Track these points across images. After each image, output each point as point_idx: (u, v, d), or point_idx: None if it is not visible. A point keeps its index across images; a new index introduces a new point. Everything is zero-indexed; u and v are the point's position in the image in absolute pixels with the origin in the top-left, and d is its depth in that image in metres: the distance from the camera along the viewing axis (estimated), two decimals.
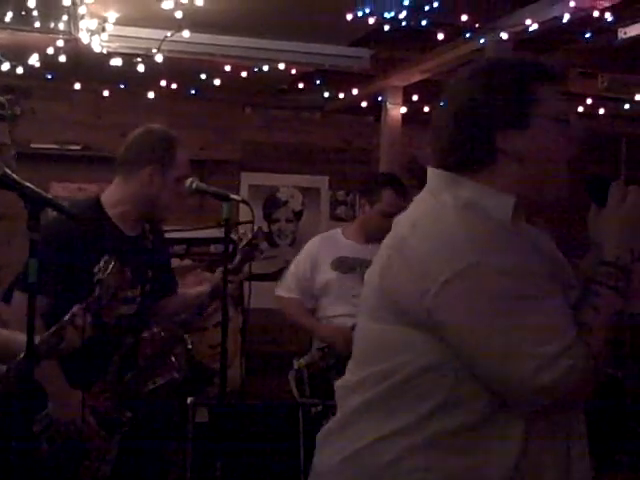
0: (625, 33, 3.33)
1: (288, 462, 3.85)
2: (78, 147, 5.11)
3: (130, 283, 2.57)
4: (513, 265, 1.35)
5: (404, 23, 3.50)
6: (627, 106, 5.00)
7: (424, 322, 1.38)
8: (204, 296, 2.77)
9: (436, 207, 1.46)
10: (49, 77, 4.68)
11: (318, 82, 4.83)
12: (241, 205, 4.06)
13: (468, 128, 1.45)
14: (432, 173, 1.52)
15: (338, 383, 1.60)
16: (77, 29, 3.60)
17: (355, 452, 1.46)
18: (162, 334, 2.67)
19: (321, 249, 3.57)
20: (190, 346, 3.95)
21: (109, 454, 2.50)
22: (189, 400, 3.87)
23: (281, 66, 4.28)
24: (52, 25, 3.62)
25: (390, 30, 3.69)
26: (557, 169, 1.47)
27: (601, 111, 5.14)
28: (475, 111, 1.44)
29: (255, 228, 2.82)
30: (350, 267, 3.46)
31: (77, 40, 3.67)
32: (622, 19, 3.36)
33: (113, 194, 2.61)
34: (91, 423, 2.44)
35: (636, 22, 3.32)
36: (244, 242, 2.81)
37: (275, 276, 4.82)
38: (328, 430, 1.57)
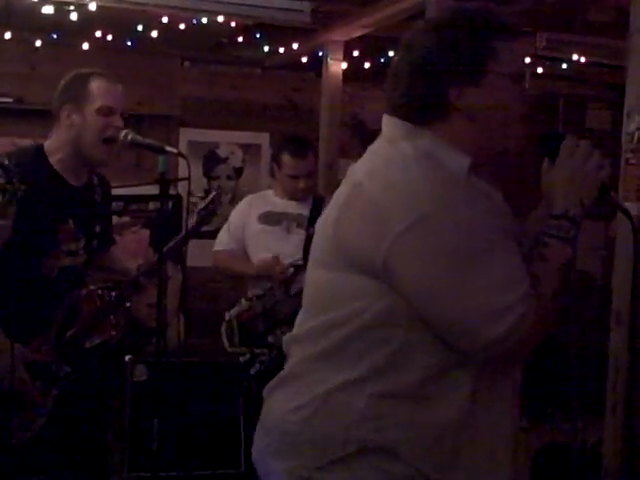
0: None
1: (227, 419, 3.86)
2: (10, 100, 4.94)
3: (73, 235, 2.52)
4: (468, 217, 1.36)
5: None
6: (564, 66, 5.06)
7: (378, 270, 1.38)
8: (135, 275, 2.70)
9: (395, 156, 1.45)
10: None
11: (258, 36, 4.75)
12: (179, 161, 4.03)
13: (422, 82, 1.45)
14: (389, 121, 1.52)
15: (287, 335, 1.60)
16: None
17: (308, 401, 1.46)
18: (99, 292, 2.64)
19: (252, 206, 3.72)
20: (129, 304, 3.91)
21: (44, 407, 2.47)
22: (127, 358, 3.85)
23: (220, 18, 4.19)
24: None
25: None
26: (509, 126, 1.48)
27: (539, 70, 5.18)
28: (429, 66, 1.44)
29: (213, 193, 2.83)
30: (276, 220, 3.60)
31: None
32: None
33: (51, 143, 2.56)
34: (24, 375, 2.40)
35: None
36: (202, 205, 2.79)
37: (214, 234, 4.79)
38: (278, 381, 1.57)
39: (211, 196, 2.81)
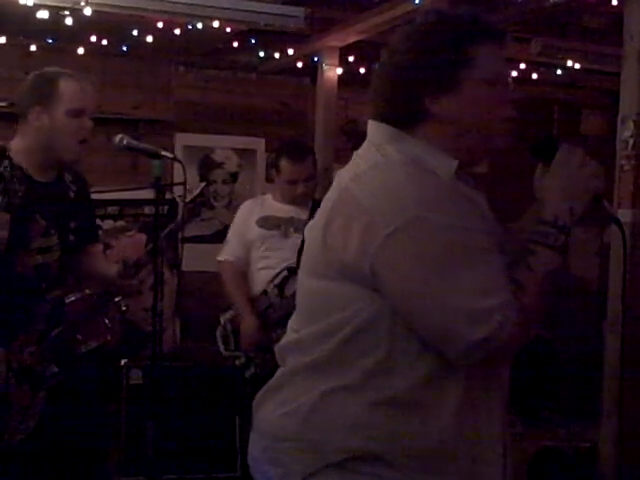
0: None
1: (222, 423, 3.86)
2: (4, 104, 4.93)
3: (43, 231, 2.51)
4: (453, 222, 1.37)
5: None
6: (559, 72, 5.08)
7: (366, 276, 1.39)
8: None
9: (381, 160, 1.46)
10: None
11: (253, 41, 4.76)
12: (175, 166, 4.04)
13: (400, 89, 1.46)
14: (374, 126, 1.53)
15: (279, 344, 1.60)
16: None
17: (302, 407, 1.46)
18: (87, 292, 2.63)
19: (252, 210, 3.71)
20: (124, 308, 3.90)
21: (32, 409, 2.46)
22: (123, 362, 3.84)
23: (215, 24, 4.19)
24: None
25: None
26: (479, 131, 1.47)
27: (534, 76, 5.20)
28: (406, 73, 1.45)
29: (201, 184, 2.81)
30: (274, 224, 3.60)
31: None
32: None
33: (17, 143, 2.54)
34: (8, 377, 2.40)
35: None
36: (190, 197, 2.77)
37: (210, 238, 4.79)
38: (268, 389, 1.57)
39: (200, 188, 2.80)
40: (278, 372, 1.57)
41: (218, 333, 3.68)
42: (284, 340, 1.59)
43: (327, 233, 1.44)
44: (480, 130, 1.47)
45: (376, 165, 1.46)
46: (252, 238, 3.64)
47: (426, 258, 1.36)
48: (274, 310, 3.51)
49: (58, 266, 2.58)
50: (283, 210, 3.62)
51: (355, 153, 1.54)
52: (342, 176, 1.51)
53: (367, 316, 1.41)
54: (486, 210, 1.53)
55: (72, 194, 2.63)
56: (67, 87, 2.50)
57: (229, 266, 3.71)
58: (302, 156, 3.59)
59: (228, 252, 3.72)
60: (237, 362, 3.59)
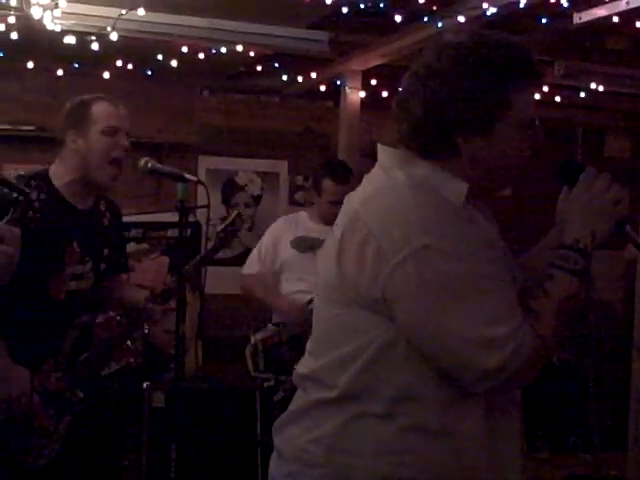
0: (580, 18, 3.37)
1: (244, 446, 3.84)
2: (32, 128, 5.01)
3: (79, 258, 2.53)
4: (462, 249, 1.35)
5: (362, 5, 3.48)
6: (583, 94, 5.06)
7: (378, 303, 1.38)
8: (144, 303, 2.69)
9: (388, 184, 1.45)
10: (0, 55, 4.56)
11: (276, 65, 4.79)
12: (199, 189, 4.06)
13: (431, 122, 1.42)
14: (384, 151, 1.52)
15: (299, 369, 1.59)
16: (29, 5, 3.51)
17: (326, 433, 1.45)
18: (118, 318, 2.64)
19: (284, 229, 3.69)
20: (147, 331, 3.91)
21: (56, 434, 2.46)
22: (145, 385, 3.84)
23: (239, 48, 4.23)
24: (3, 1, 3.53)
25: (348, 13, 3.66)
26: (507, 168, 1.46)
27: (557, 99, 5.18)
28: (442, 108, 1.41)
29: (234, 213, 2.81)
30: (309, 246, 3.55)
31: (29, 16, 3.58)
32: (577, 4, 3.39)
33: (57, 169, 2.56)
34: (35, 402, 2.40)
35: (591, 7, 3.35)
36: (222, 226, 2.77)
37: (233, 261, 4.79)
38: (290, 412, 1.56)
39: (232, 217, 2.80)
40: (299, 398, 1.56)
41: (247, 352, 3.64)
42: (302, 366, 1.58)
43: (341, 260, 1.43)
44: (501, 171, 1.46)
45: (383, 189, 1.45)
46: (285, 259, 3.61)
47: (434, 288, 1.34)
48: (307, 337, 3.48)
49: (90, 293, 2.60)
50: (318, 230, 3.57)
51: (365, 177, 1.54)
52: (351, 200, 1.50)
53: (382, 343, 1.40)
54: (497, 237, 1.51)
55: (106, 222, 2.66)
56: (99, 108, 2.53)
57: (253, 279, 3.70)
58: (346, 177, 3.57)
59: (252, 268, 3.71)
60: (265, 384, 3.56)
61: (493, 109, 1.40)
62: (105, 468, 2.73)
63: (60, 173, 2.55)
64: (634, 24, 3.59)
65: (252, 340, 3.63)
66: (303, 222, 3.69)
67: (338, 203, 3.50)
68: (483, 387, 1.37)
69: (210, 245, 2.74)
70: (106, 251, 2.64)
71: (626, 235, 1.47)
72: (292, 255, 3.59)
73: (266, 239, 3.71)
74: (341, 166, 3.74)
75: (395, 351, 1.40)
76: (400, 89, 1.50)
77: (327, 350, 1.49)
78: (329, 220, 3.45)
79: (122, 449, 3.36)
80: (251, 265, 3.73)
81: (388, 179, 1.46)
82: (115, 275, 2.79)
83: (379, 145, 1.52)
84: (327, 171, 3.64)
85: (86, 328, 2.56)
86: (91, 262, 2.57)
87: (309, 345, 1.59)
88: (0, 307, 2.38)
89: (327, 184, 3.56)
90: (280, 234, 3.67)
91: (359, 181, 1.55)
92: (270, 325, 3.61)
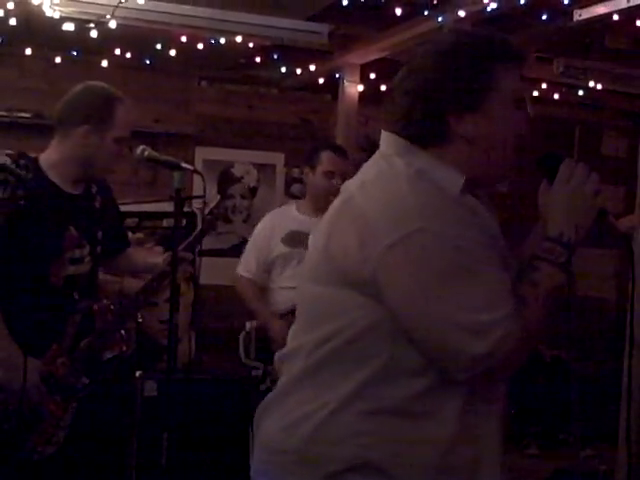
0: (580, 15, 3.37)
1: (236, 435, 3.85)
2: (29, 115, 4.99)
3: (77, 242, 2.53)
4: (456, 234, 1.36)
5: None
6: (581, 92, 5.06)
7: (366, 284, 1.38)
8: (155, 270, 2.72)
9: (387, 170, 1.46)
10: None
11: (275, 57, 4.79)
12: (194, 179, 4.05)
13: (422, 107, 1.45)
14: (386, 137, 1.52)
15: (278, 352, 1.60)
16: None
17: (300, 419, 1.45)
18: (112, 307, 2.64)
19: (275, 224, 3.67)
20: (140, 320, 3.91)
21: (63, 420, 2.47)
22: (137, 374, 3.84)
23: (238, 39, 4.23)
24: None
25: (348, 5, 3.66)
26: (505, 151, 1.47)
27: (556, 96, 5.19)
28: (430, 92, 1.44)
29: (217, 197, 2.83)
30: (300, 241, 3.53)
31: (28, 3, 3.56)
32: (578, 1, 3.39)
33: (51, 155, 2.53)
34: (41, 389, 2.40)
35: (591, 5, 3.35)
36: (208, 209, 2.79)
37: (228, 252, 4.79)
38: (269, 400, 1.57)
39: (216, 201, 2.82)
40: (278, 385, 1.57)
41: (241, 338, 3.65)
42: (283, 350, 1.59)
43: (329, 240, 1.45)
44: (498, 151, 1.47)
45: (382, 175, 1.46)
46: (276, 255, 3.61)
47: (427, 271, 1.35)
48: None
49: (89, 277, 2.60)
50: (306, 222, 3.56)
51: (365, 164, 1.55)
52: (348, 185, 1.52)
53: (366, 324, 1.40)
54: (494, 226, 1.52)
55: (97, 204, 2.65)
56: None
57: (248, 283, 3.71)
58: (343, 152, 3.64)
59: (247, 268, 3.71)
60: (254, 372, 3.59)
61: (479, 84, 1.43)
62: (109, 456, 2.73)
63: (53, 161, 2.51)
64: (634, 22, 3.59)
65: (247, 326, 3.64)
66: (292, 215, 3.68)
67: (333, 174, 3.57)
68: (467, 374, 1.37)
69: (197, 230, 2.77)
70: (100, 234, 2.64)
71: (609, 226, 1.48)
72: (283, 251, 3.60)
73: (259, 239, 3.71)
74: (338, 145, 3.85)
75: (379, 333, 1.40)
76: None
77: (309, 328, 1.50)
78: (321, 200, 3.42)
79: (124, 435, 3.37)
80: (247, 265, 3.72)
81: (387, 166, 1.47)
82: (121, 252, 2.82)
83: (383, 131, 1.53)
84: (326, 144, 3.76)
85: (87, 313, 2.57)
86: (88, 246, 2.57)
87: (291, 331, 1.59)
88: (2, 295, 2.38)
89: (325, 155, 3.59)
90: (270, 231, 3.67)
91: (354, 172, 1.56)
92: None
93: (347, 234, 1.41)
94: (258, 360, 3.60)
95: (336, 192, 3.70)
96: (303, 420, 1.45)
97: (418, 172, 1.43)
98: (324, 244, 1.46)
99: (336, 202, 1.52)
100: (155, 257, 2.82)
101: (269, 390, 3.53)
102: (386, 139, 1.52)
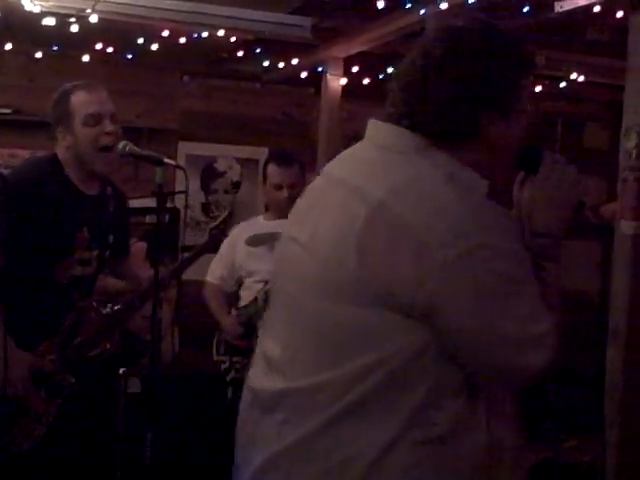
0: (561, 7, 3.37)
1: (220, 433, 3.84)
2: (9, 111, 4.94)
3: (88, 243, 2.53)
4: (512, 249, 1.33)
5: None
6: (563, 84, 5.07)
7: (416, 305, 1.29)
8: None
9: (420, 174, 1.35)
10: None
11: (258, 51, 4.77)
12: (177, 175, 4.03)
13: (461, 102, 1.37)
14: (393, 130, 1.42)
15: (269, 385, 1.45)
16: None
17: (338, 464, 1.34)
18: (95, 305, 2.64)
19: (241, 230, 3.80)
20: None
21: (45, 416, 2.46)
22: (121, 371, 3.82)
23: (220, 33, 4.20)
24: None
25: None
26: (511, 158, 1.47)
27: (537, 89, 5.19)
28: (471, 87, 1.38)
29: (225, 212, 2.84)
30: (261, 241, 3.63)
31: None
32: None
33: (61, 154, 2.57)
34: (28, 383, 2.41)
35: None
36: (215, 223, 2.80)
37: (210, 248, 4.75)
38: (280, 450, 1.41)
39: (224, 215, 2.82)
40: (290, 426, 1.39)
41: (215, 339, 3.77)
42: (271, 380, 1.43)
43: (365, 255, 1.30)
44: (511, 156, 1.46)
45: (416, 179, 1.34)
46: (242, 257, 3.72)
47: (490, 287, 1.29)
48: (259, 316, 3.55)
49: (92, 279, 2.61)
50: (271, 226, 3.64)
51: (367, 155, 1.43)
52: (346, 181, 1.40)
53: (414, 350, 1.31)
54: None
55: (111, 208, 2.66)
56: (77, 99, 2.51)
57: (211, 287, 3.84)
58: (288, 161, 3.66)
59: (213, 274, 3.84)
60: (222, 366, 3.68)
61: (509, 90, 1.41)
62: (92, 454, 2.72)
63: (65, 160, 2.55)
64: (615, 14, 3.60)
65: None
66: (258, 223, 3.79)
67: (281, 186, 3.60)
68: (520, 385, 1.39)
69: (203, 241, 2.79)
70: (111, 238, 2.65)
71: (585, 218, 1.48)
72: (246, 252, 3.69)
73: (225, 244, 3.81)
74: (284, 152, 3.90)
75: (425, 357, 1.32)
76: (399, 78, 1.42)
77: (332, 360, 1.35)
78: (278, 207, 3.58)
79: (111, 434, 3.35)
80: (214, 271, 3.84)
81: (411, 166, 1.36)
82: (123, 259, 2.85)
83: (389, 125, 1.42)
84: (269, 158, 3.81)
85: (81, 313, 2.57)
86: (98, 249, 2.58)
87: (283, 353, 1.43)
88: (6, 286, 2.38)
89: (270, 169, 3.66)
90: (237, 237, 3.77)
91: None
92: (233, 310, 3.72)
93: (387, 249, 1.29)
94: (227, 354, 3.69)
95: (285, 203, 3.79)
96: (351, 461, 1.33)
97: (450, 175, 1.34)
98: (356, 261, 1.30)
99: (353, 205, 1.35)
100: (141, 270, 2.81)
101: (235, 380, 3.66)
102: (392, 132, 1.41)
